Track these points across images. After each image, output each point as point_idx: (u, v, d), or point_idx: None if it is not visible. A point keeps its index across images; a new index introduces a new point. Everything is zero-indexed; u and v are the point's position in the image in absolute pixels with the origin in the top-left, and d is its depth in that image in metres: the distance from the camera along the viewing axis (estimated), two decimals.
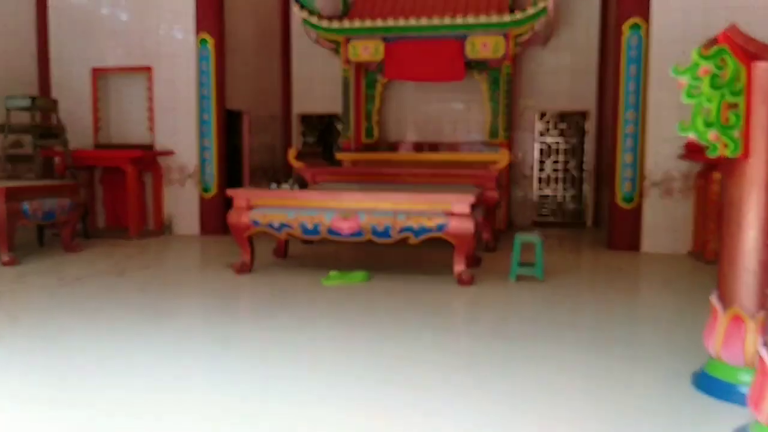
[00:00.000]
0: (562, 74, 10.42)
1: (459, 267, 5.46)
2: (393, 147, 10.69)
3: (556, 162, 10.80)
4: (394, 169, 7.98)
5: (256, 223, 5.80)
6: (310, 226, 5.64)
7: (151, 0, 8.89)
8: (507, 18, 8.68)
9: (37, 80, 9.43)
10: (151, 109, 9.07)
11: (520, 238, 5.66)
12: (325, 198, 5.67)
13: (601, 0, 10.04)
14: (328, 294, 5.31)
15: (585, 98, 10.39)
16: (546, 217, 10.94)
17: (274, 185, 6.04)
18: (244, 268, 5.97)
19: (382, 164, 9.50)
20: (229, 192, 5.92)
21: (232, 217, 5.85)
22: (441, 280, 5.72)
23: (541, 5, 8.53)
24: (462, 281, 5.49)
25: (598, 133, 10.35)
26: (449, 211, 5.39)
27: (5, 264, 6.37)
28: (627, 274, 6.58)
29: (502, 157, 7.38)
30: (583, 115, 10.53)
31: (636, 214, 7.58)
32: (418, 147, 10.54)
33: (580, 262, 7.38)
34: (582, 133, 10.63)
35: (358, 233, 5.54)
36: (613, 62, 7.53)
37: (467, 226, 5.32)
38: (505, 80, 9.32)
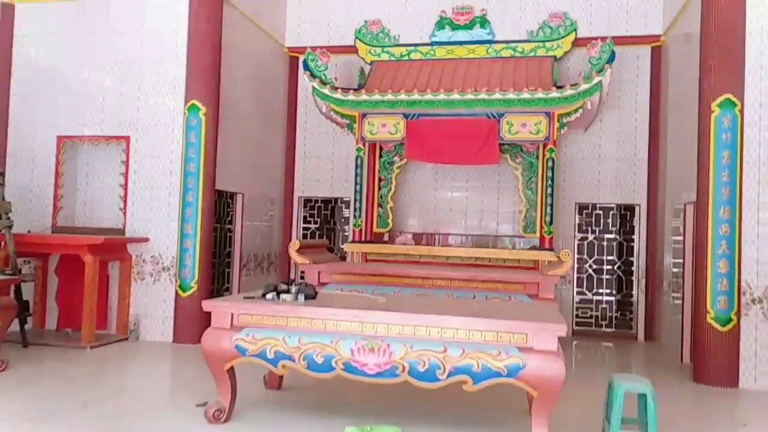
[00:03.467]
0: (606, 163, 9.03)
1: (540, 429, 3.69)
2: (411, 238, 9.13)
3: (599, 261, 9.22)
4: (423, 270, 6.34)
5: (241, 350, 4.08)
6: (319, 359, 3.94)
7: (132, 60, 7.57)
8: (555, 93, 7.36)
9: None
10: (125, 187, 7.53)
11: (622, 384, 3.92)
12: (342, 317, 3.99)
13: (651, 83, 8.80)
14: None
15: (633, 190, 8.95)
16: (586, 325, 9.21)
17: (270, 295, 4.36)
18: (219, 415, 4.17)
19: (402, 260, 7.91)
20: (207, 305, 4.22)
21: (209, 340, 4.14)
22: None
23: (596, 80, 7.24)
24: None
25: (649, 229, 8.84)
26: (526, 345, 3.71)
27: None
28: None
29: (563, 260, 5.77)
30: (631, 208, 9.06)
31: (733, 339, 5.90)
32: (424, 239, 8.99)
33: (675, 408, 5.36)
34: (629, 229, 9.12)
35: (391, 372, 3.83)
36: (701, 148, 6.08)
37: (555, 369, 3.62)
38: (547, 166, 7.90)
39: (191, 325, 7.09)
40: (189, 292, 7.18)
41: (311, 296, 4.41)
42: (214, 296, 7.76)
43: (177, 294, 7.24)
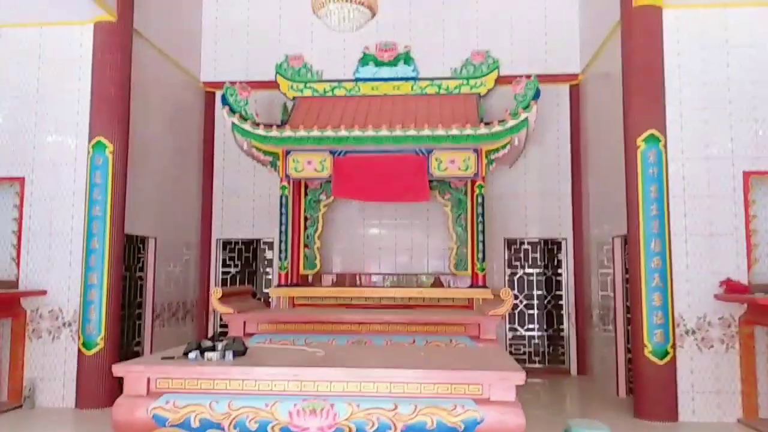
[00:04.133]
0: (532, 198, 9.08)
1: None
2: (340, 280, 8.74)
3: (529, 296, 9.18)
4: (357, 314, 5.95)
5: (160, 420, 3.50)
6: (252, 426, 3.43)
7: (28, 93, 6.85)
8: (483, 130, 7.31)
9: None
10: (18, 234, 6.69)
11: (577, 430, 3.68)
12: (279, 376, 3.52)
13: (571, 120, 9.01)
14: None
15: (558, 224, 9.04)
16: (520, 362, 9.04)
17: (193, 354, 3.82)
18: None
19: (332, 303, 7.49)
20: (119, 370, 3.62)
21: (121, 410, 3.52)
22: None
23: (522, 116, 7.26)
24: None
25: (576, 263, 8.91)
26: (482, 396, 3.39)
27: None
28: None
29: (504, 298, 5.57)
30: (557, 243, 9.13)
31: (671, 372, 5.88)
32: (354, 279, 8.67)
33: None
34: (557, 263, 9.17)
35: None
36: (629, 183, 6.14)
37: (515, 421, 3.32)
38: (477, 202, 7.79)
39: (97, 386, 6.30)
40: (94, 350, 6.39)
41: (241, 352, 3.90)
42: (123, 352, 6.99)
43: (80, 352, 6.43)
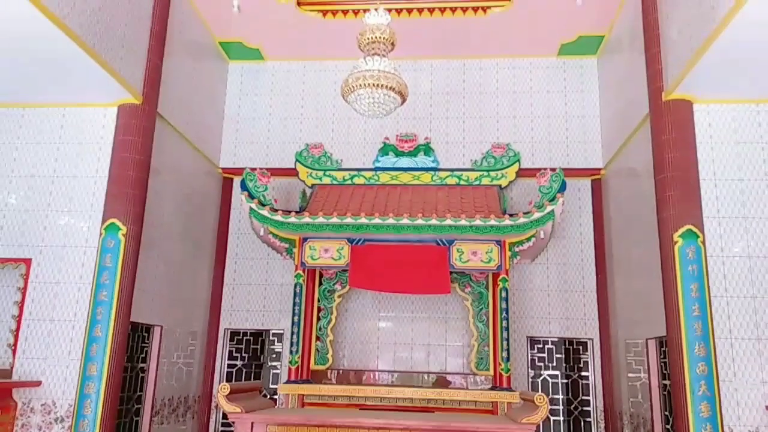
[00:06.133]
0: (555, 295, 8.69)
1: None
2: (353, 376, 8.21)
3: (554, 401, 8.56)
4: (377, 419, 5.43)
5: None
6: None
7: (44, 174, 6.76)
8: (507, 221, 7.08)
9: None
10: (18, 319, 6.33)
11: None
12: None
13: (594, 215, 8.78)
14: None
15: (584, 323, 8.58)
16: None
17: None
18: None
19: (345, 403, 6.96)
20: None
21: None
22: None
23: (548, 208, 7.05)
24: None
25: (604, 365, 8.37)
26: None
27: None
28: None
29: (539, 404, 5.07)
30: (583, 343, 8.63)
31: None
32: (367, 376, 8.16)
33: None
34: (582, 365, 8.63)
35: None
36: (667, 281, 5.80)
37: None
38: (500, 297, 7.43)
39: None
40: None
41: None
42: None
43: None
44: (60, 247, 6.50)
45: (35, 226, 6.58)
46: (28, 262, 6.46)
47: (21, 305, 6.36)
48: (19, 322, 6.30)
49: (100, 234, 6.37)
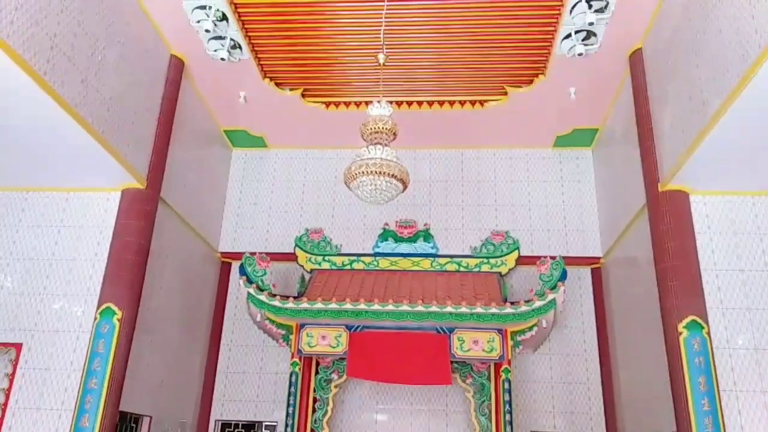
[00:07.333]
0: (558, 387, 8.44)
1: None
2: None
3: None
4: None
5: None
6: None
7: (41, 258, 6.72)
8: (509, 309, 6.99)
9: None
10: (4, 407, 6.08)
11: None
12: None
13: (595, 304, 8.70)
14: None
15: (589, 417, 8.27)
16: None
17: None
18: None
19: None
20: None
21: None
22: None
23: (549, 297, 6.98)
24: None
25: None
26: None
27: None
28: None
29: None
30: None
31: None
32: None
33: None
34: None
35: None
36: (674, 373, 5.64)
37: None
38: (503, 388, 7.20)
39: None
40: None
41: None
42: None
43: None
44: (52, 332, 6.35)
45: (29, 309, 6.47)
46: (18, 346, 6.29)
47: (7, 393, 6.13)
48: (3, 411, 6.04)
49: (95, 318, 6.24)
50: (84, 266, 6.64)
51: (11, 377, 6.20)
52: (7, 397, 6.12)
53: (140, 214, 6.62)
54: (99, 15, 5.91)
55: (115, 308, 6.23)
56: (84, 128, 5.65)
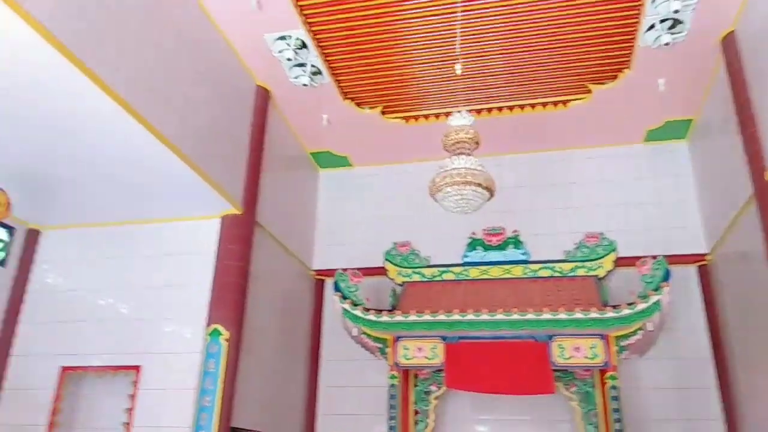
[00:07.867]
0: (671, 394, 7.97)
1: None
2: None
3: None
4: None
5: None
6: None
7: (152, 286, 7.19)
8: (611, 313, 6.74)
9: None
10: (128, 428, 6.54)
11: None
12: None
13: (705, 304, 8.18)
14: None
15: (707, 426, 7.75)
16: None
17: None
18: None
19: None
20: None
21: None
22: None
23: (653, 298, 6.66)
24: None
25: None
26: None
27: None
28: None
29: None
30: None
31: None
32: None
33: None
34: None
35: None
36: None
37: None
38: (610, 396, 6.92)
39: None
40: None
41: None
42: None
43: None
44: (166, 354, 6.77)
45: (145, 334, 6.94)
46: (138, 369, 6.76)
47: (131, 413, 6.59)
48: (128, 430, 6.49)
49: (205, 339, 6.61)
50: (191, 290, 7.04)
51: (133, 398, 6.66)
52: (131, 417, 6.57)
53: (239, 239, 6.98)
54: (189, 52, 6.34)
55: (222, 329, 6.58)
56: (182, 160, 6.04)
